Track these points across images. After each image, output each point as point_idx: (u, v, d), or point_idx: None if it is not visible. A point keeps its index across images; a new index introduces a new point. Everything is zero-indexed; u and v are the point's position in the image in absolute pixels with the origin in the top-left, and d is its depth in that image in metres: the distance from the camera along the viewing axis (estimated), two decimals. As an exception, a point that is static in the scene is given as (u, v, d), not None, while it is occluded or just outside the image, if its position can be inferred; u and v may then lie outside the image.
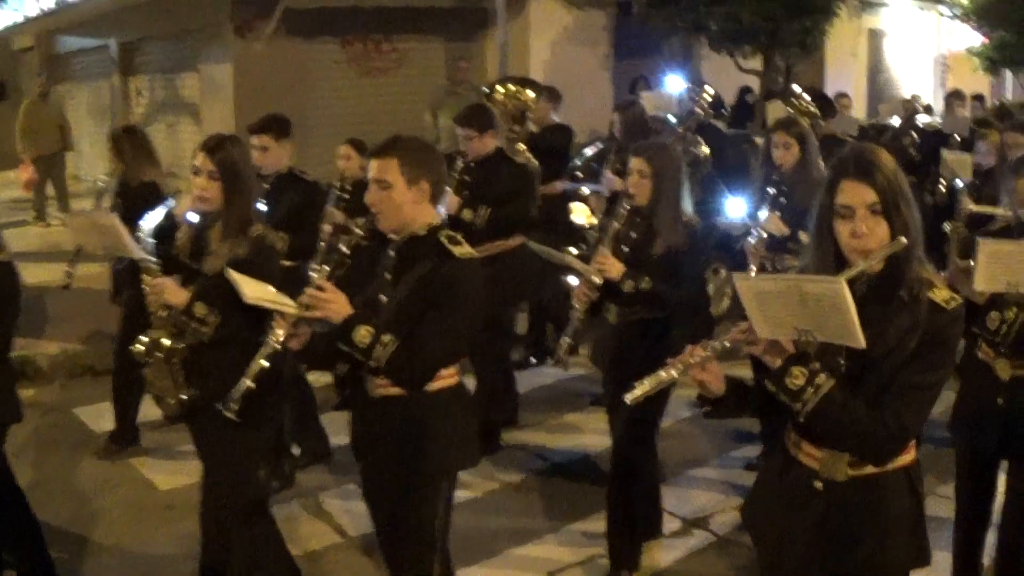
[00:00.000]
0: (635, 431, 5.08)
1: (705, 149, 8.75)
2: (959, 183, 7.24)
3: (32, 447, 6.86)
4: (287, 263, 4.97)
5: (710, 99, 10.19)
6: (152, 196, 5.84)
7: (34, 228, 14.64)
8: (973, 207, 6.96)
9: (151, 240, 4.48)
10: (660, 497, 5.43)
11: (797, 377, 2.83)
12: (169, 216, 4.71)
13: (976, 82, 19.05)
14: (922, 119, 11.45)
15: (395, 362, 3.55)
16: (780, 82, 15.17)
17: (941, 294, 2.88)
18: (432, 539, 3.80)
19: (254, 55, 13.21)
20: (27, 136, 14.80)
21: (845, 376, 2.87)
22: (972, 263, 4.06)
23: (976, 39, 20.22)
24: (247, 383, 3.73)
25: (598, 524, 5.45)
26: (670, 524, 5.75)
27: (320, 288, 3.56)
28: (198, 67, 14.74)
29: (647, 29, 15.08)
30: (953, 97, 11.29)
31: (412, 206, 3.70)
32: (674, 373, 2.93)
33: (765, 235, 6.04)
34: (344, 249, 3.74)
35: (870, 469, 2.97)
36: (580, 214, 8.65)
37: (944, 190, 8.35)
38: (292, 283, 3.96)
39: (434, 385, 3.71)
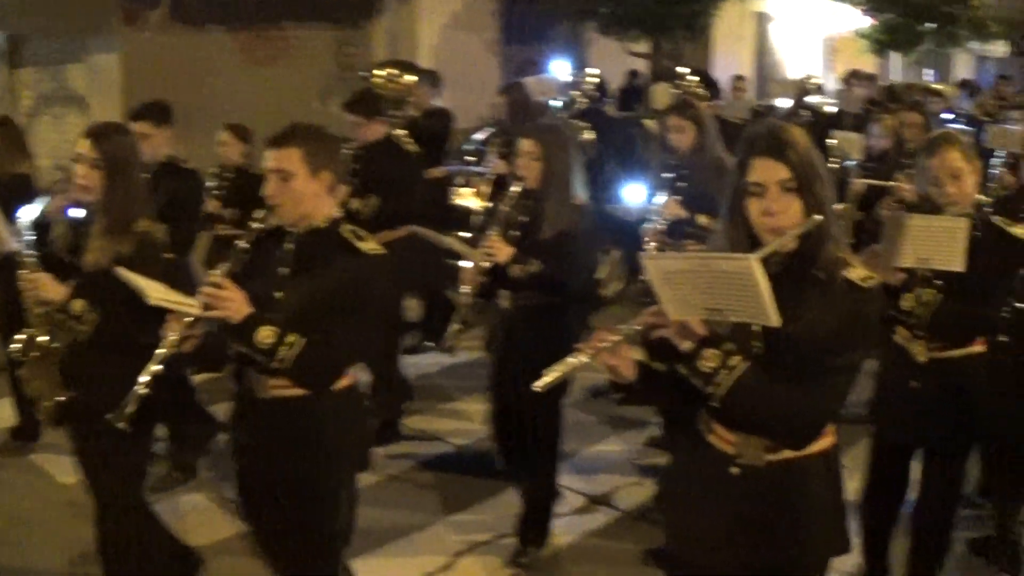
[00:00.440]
0: (543, 408, 4.98)
1: (589, 134, 8.70)
2: (849, 163, 7.31)
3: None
4: (167, 255, 4.77)
5: (594, 84, 10.21)
6: (24, 189, 5.68)
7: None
8: (865, 182, 7.08)
9: (29, 233, 4.23)
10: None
11: (710, 359, 2.72)
12: (46, 210, 4.48)
13: (863, 64, 19.36)
14: (814, 100, 11.56)
15: (302, 363, 3.39)
16: (668, 65, 15.25)
17: (858, 273, 2.79)
18: (335, 546, 3.67)
19: (142, 45, 13.03)
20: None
21: (760, 358, 2.77)
22: (883, 244, 4.05)
23: (864, 21, 20.61)
24: (141, 391, 3.44)
25: (498, 507, 5.48)
26: (574, 501, 5.78)
27: (219, 286, 3.37)
28: (86, 58, 14.43)
29: (535, 14, 15.09)
30: (852, 76, 11.45)
31: (313, 198, 3.53)
32: (584, 359, 2.80)
33: (663, 221, 5.97)
34: (242, 244, 3.52)
35: (788, 454, 2.87)
36: (467, 197, 8.57)
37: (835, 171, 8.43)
38: (172, 277, 3.78)
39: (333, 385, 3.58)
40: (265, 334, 3.36)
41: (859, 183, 7.12)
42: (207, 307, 3.36)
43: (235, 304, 3.36)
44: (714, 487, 2.96)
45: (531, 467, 5.16)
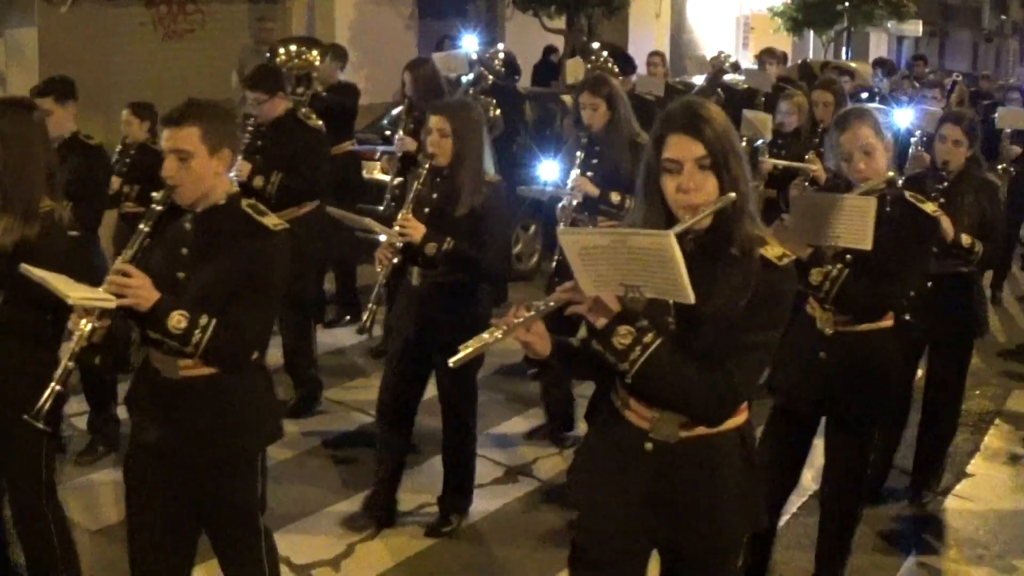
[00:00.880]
0: (459, 381, 5.00)
1: (496, 111, 8.68)
2: (759, 142, 7.38)
3: None
4: (71, 233, 4.64)
5: (501, 60, 10.18)
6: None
7: None
8: (774, 162, 7.16)
9: None
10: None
11: (624, 336, 2.72)
12: None
13: (778, 42, 19.61)
14: (729, 78, 11.60)
15: (215, 345, 3.33)
16: (584, 41, 15.27)
17: (773, 251, 2.80)
18: (257, 519, 3.65)
19: (59, 19, 12.75)
20: None
21: (675, 335, 2.78)
22: (792, 220, 4.08)
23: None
24: (56, 388, 3.31)
25: (417, 477, 5.57)
26: (494, 472, 5.85)
27: (126, 274, 3.28)
28: (3, 32, 14.02)
29: (452, -11, 15.01)
30: (765, 54, 11.50)
31: (213, 177, 3.45)
32: (498, 334, 2.77)
33: (576, 198, 5.96)
34: (144, 228, 3.42)
35: (702, 430, 2.88)
36: (381, 172, 8.54)
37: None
38: (77, 256, 3.65)
39: None
40: (177, 319, 3.28)
41: (768, 162, 7.20)
42: (117, 296, 3.27)
43: (144, 291, 3.27)
44: (628, 462, 2.97)
45: (448, 440, 5.20)
